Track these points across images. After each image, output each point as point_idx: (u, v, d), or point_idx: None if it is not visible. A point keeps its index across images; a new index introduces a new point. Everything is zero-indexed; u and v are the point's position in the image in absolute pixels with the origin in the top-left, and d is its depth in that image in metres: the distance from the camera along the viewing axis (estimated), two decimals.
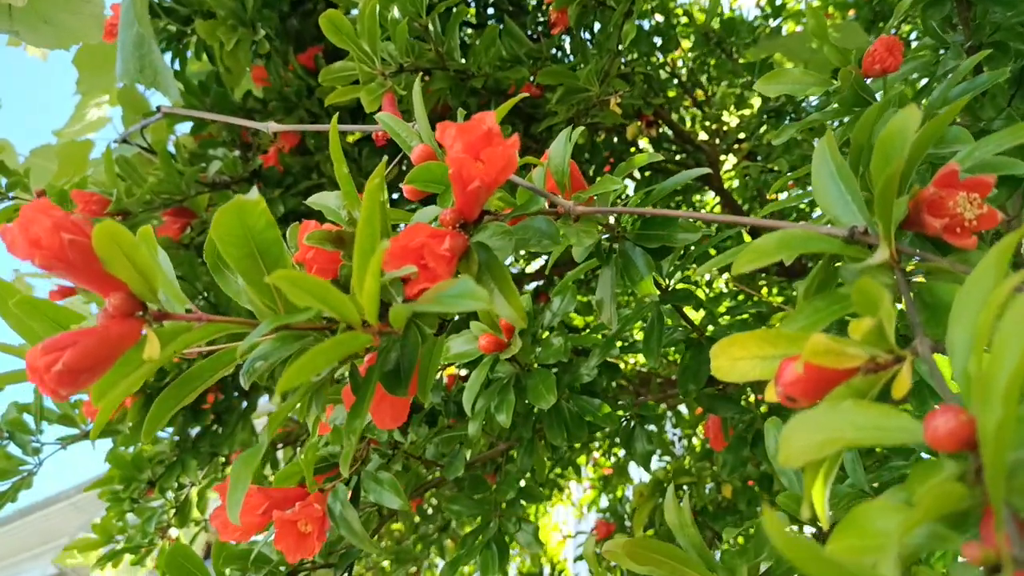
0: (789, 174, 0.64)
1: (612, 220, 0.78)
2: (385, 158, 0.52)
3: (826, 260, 0.47)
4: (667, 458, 2.49)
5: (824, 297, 0.45)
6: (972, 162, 0.46)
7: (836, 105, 0.72)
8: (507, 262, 0.64)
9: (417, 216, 0.57)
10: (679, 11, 2.04)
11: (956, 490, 0.29)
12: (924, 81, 0.94)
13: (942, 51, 0.86)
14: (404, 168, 0.69)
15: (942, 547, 0.30)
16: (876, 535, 0.30)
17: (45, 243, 0.36)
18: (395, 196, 1.56)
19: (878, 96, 0.79)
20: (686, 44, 2.07)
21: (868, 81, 0.77)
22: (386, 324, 0.42)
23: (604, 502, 2.57)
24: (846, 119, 0.77)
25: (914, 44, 1.31)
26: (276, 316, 0.42)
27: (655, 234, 0.76)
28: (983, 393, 0.27)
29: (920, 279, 0.45)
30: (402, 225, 0.64)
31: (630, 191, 2.35)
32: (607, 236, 0.79)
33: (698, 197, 2.44)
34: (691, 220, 0.68)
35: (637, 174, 2.06)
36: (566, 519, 3.51)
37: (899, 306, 0.41)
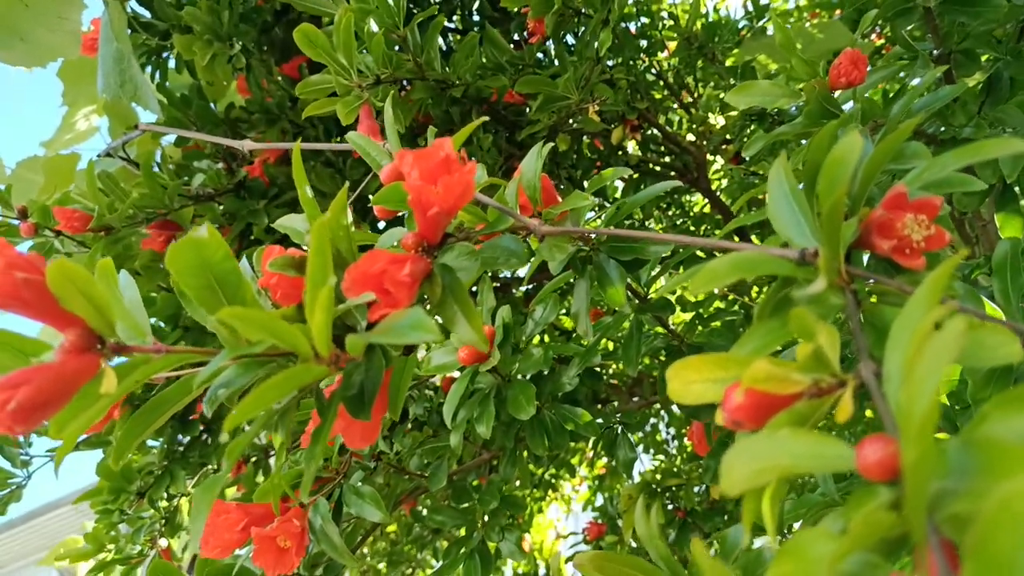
0: (741, 198, 0.64)
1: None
2: (347, 184, 0.53)
3: (781, 281, 0.48)
4: (661, 456, 2.50)
5: (778, 318, 0.46)
6: (922, 182, 0.47)
7: (802, 119, 0.73)
8: None
9: (382, 240, 0.57)
10: (665, 12, 2.04)
11: (887, 518, 0.30)
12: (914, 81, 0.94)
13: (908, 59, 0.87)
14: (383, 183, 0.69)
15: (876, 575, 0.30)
16: (810, 562, 0.31)
17: None
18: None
19: (847, 106, 0.80)
20: (672, 46, 2.08)
21: (837, 93, 0.78)
22: (344, 352, 0.43)
23: (600, 500, 2.58)
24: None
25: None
26: (234, 346, 0.43)
27: (627, 246, 0.77)
28: (904, 426, 0.28)
29: (872, 300, 0.46)
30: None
31: (619, 192, 2.36)
32: (581, 249, 0.80)
33: (687, 198, 2.44)
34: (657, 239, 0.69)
35: (626, 174, 2.07)
36: (561, 517, 3.53)
37: None
